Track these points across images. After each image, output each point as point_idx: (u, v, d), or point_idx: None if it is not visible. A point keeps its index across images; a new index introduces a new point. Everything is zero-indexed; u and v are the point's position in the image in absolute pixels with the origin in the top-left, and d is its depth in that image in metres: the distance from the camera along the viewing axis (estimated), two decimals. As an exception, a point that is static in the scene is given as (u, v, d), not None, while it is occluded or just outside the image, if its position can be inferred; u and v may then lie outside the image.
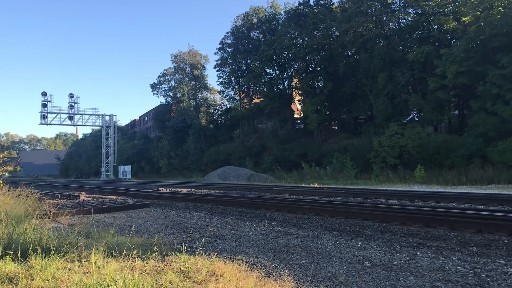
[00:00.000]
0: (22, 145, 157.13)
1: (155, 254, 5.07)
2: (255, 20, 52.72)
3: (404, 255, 5.60)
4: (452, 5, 30.56)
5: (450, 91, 29.65)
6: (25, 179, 45.18)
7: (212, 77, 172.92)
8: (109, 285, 3.65)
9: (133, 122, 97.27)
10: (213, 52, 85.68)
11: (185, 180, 40.72)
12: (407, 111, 33.42)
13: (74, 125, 67.60)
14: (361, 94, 37.95)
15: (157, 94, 67.35)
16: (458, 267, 4.87)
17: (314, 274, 4.70)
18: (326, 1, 43.84)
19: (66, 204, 12.67)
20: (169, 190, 21.96)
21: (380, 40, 35.08)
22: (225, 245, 6.52)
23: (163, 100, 69.19)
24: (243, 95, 55.53)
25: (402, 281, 4.36)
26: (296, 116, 53.22)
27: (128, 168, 60.39)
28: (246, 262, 5.16)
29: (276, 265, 5.12)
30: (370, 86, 35.38)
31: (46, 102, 60.62)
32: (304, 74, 44.83)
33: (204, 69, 63.43)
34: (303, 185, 24.24)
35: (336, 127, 46.96)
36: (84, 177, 73.14)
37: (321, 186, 22.74)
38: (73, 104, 62.16)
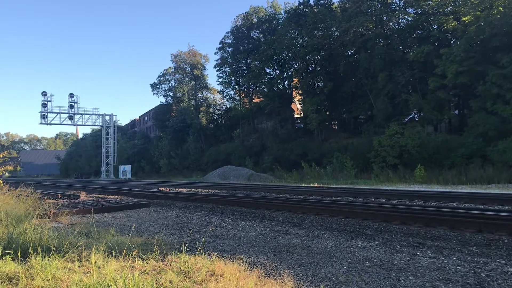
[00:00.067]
0: (22, 144, 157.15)
1: (155, 254, 5.07)
2: (255, 20, 52.71)
3: (404, 254, 5.60)
4: (452, 4, 30.55)
5: (450, 91, 29.65)
6: (25, 179, 45.20)
7: (212, 77, 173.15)
8: (109, 284, 3.65)
9: (133, 121, 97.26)
10: (213, 52, 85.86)
11: (185, 180, 40.74)
12: (407, 110, 33.42)
13: (74, 125, 67.68)
14: (361, 93, 37.95)
15: (157, 93, 67.48)
16: (458, 267, 4.87)
17: (314, 273, 4.70)
18: (326, 1, 43.83)
19: (66, 203, 12.66)
20: (169, 189, 21.98)
21: (380, 39, 35.08)
22: (225, 245, 6.52)
23: (163, 99, 69.29)
24: (243, 95, 55.53)
25: (402, 281, 4.36)
26: (296, 115, 53.24)
27: (128, 167, 60.39)
28: (246, 261, 5.16)
29: (276, 264, 5.12)
30: (370, 86, 35.38)
31: (46, 102, 60.63)
32: (304, 74, 44.84)
33: (204, 69, 63.56)
34: (303, 185, 24.25)
35: (336, 127, 46.98)
36: (84, 177, 73.13)
37: (321, 185, 22.75)
38: (73, 103, 62.17)
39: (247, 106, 53.93)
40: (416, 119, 34.77)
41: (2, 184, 11.55)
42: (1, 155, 12.00)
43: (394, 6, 35.25)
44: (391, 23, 35.80)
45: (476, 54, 26.31)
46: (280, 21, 50.01)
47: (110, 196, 17.88)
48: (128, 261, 4.66)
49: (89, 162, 78.80)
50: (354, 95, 39.99)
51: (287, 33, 43.86)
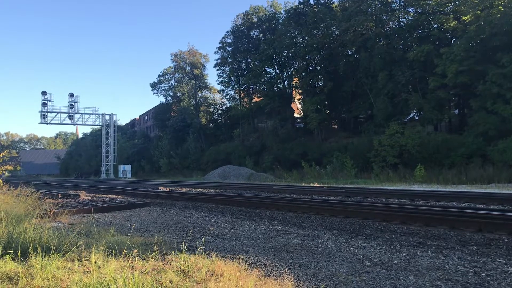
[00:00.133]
0: (22, 144, 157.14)
1: (155, 254, 5.07)
2: (255, 19, 52.70)
3: (404, 254, 5.59)
4: (452, 4, 30.56)
5: (450, 90, 29.64)
6: (25, 179, 45.20)
7: (212, 76, 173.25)
8: (109, 284, 3.64)
9: (133, 121, 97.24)
10: (213, 51, 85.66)
11: (185, 180, 40.74)
12: (407, 110, 33.42)
13: (74, 124, 67.68)
14: (361, 93, 37.94)
15: (157, 93, 67.49)
16: (458, 266, 4.86)
17: (314, 273, 4.70)
18: (326, 0, 43.80)
19: (66, 203, 12.67)
20: (169, 189, 21.99)
21: (380, 39, 35.06)
22: (225, 245, 6.52)
23: (163, 99, 69.40)
24: (243, 94, 55.51)
25: (402, 280, 4.36)
26: (296, 115, 53.22)
27: (128, 167, 60.41)
28: (246, 261, 5.16)
29: (276, 264, 5.12)
30: (370, 85, 35.37)
31: (46, 101, 60.65)
32: (304, 73, 44.82)
33: (204, 68, 63.56)
34: (303, 184, 24.24)
35: (336, 126, 46.96)
36: (84, 177, 73.17)
37: (321, 185, 22.75)
38: (73, 103, 62.19)
39: (247, 106, 53.93)
40: (416, 118, 34.77)
41: (2, 184, 11.53)
42: (1, 155, 11.97)
43: (394, 6, 35.24)
44: (391, 23, 35.80)
45: (476, 54, 26.30)
46: (280, 21, 50.01)
47: (110, 196, 17.88)
48: (128, 260, 4.66)
49: (89, 161, 78.81)
50: (354, 94, 39.97)
51: (287, 32, 43.86)
